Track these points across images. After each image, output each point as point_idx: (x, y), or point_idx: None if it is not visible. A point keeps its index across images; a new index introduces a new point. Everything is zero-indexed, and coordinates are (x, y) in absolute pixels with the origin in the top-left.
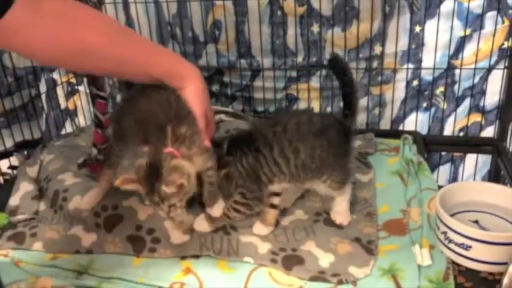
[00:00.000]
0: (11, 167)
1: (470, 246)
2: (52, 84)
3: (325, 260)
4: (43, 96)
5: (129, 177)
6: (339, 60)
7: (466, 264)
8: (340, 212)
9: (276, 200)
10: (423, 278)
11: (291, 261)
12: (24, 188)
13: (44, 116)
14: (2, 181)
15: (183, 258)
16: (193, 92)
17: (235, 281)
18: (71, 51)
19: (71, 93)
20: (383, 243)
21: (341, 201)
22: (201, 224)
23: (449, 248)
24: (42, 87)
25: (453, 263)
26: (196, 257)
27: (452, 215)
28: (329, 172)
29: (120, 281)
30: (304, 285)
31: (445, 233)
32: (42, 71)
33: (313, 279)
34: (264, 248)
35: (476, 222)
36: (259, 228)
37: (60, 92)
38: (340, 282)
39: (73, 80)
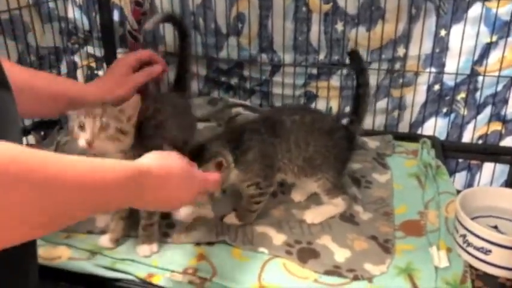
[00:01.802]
0: (27, 146)
1: (490, 251)
2: (73, 67)
3: (340, 254)
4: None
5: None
6: (358, 55)
7: (484, 269)
8: (317, 212)
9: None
10: (440, 279)
11: (306, 254)
12: None
13: None
14: None
15: (197, 244)
16: None
17: (249, 270)
18: None
19: (90, 77)
20: (399, 243)
21: (326, 207)
22: (232, 219)
23: (467, 252)
24: (63, 69)
25: (471, 267)
26: (211, 244)
27: (471, 219)
28: (325, 172)
29: (133, 263)
30: (319, 278)
31: (464, 236)
32: (64, 52)
33: (328, 273)
34: (279, 239)
35: (495, 227)
36: (232, 218)
37: (79, 75)
38: (355, 278)
39: (93, 65)
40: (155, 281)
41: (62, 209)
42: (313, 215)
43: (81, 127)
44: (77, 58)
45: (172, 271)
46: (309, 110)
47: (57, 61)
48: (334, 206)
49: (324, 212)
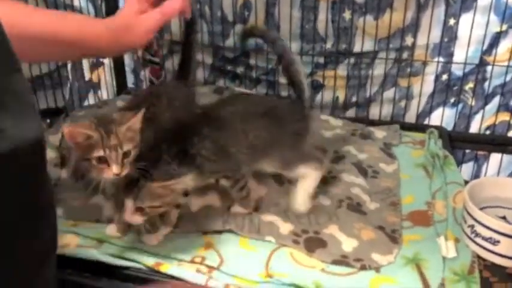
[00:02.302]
0: None
1: (498, 241)
2: None
3: (348, 244)
4: (69, 66)
5: (80, 125)
6: (256, 31)
7: (492, 259)
8: (297, 201)
9: (182, 200)
10: (448, 270)
11: (313, 243)
12: (47, 155)
13: (69, 85)
14: None
15: (205, 233)
16: None
17: (256, 259)
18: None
19: (95, 65)
20: (407, 233)
21: (300, 189)
22: (238, 208)
23: (475, 242)
24: None
25: (478, 257)
26: (218, 233)
27: (479, 209)
28: (276, 152)
29: (141, 251)
30: (326, 268)
31: (472, 226)
32: None
33: (335, 262)
34: (285, 228)
35: (503, 218)
36: (238, 208)
37: (85, 63)
38: (363, 267)
39: None
40: (163, 269)
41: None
42: (302, 203)
43: (100, 160)
44: None
45: (180, 260)
46: (243, 97)
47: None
48: (305, 178)
49: (305, 194)
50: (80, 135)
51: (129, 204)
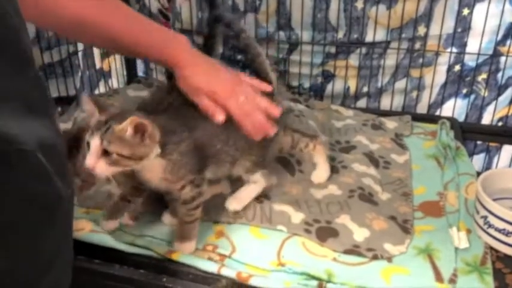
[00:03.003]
0: None
1: (511, 232)
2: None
3: (360, 234)
4: (80, 54)
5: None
6: (223, 18)
7: (505, 251)
8: (238, 197)
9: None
10: (460, 260)
11: (325, 232)
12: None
13: (80, 73)
14: None
15: (216, 222)
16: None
17: (268, 247)
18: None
19: (106, 54)
20: (419, 224)
21: (244, 192)
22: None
23: (488, 233)
24: (80, 45)
25: (491, 248)
26: (229, 222)
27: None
28: (246, 154)
29: (154, 239)
30: (338, 257)
31: (485, 217)
32: None
33: (347, 252)
34: (297, 217)
35: None
36: (168, 218)
37: (96, 51)
38: (375, 257)
39: None
40: (175, 257)
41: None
42: (235, 201)
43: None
44: None
45: None
46: None
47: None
48: (254, 183)
49: (245, 196)
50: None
51: (95, 143)
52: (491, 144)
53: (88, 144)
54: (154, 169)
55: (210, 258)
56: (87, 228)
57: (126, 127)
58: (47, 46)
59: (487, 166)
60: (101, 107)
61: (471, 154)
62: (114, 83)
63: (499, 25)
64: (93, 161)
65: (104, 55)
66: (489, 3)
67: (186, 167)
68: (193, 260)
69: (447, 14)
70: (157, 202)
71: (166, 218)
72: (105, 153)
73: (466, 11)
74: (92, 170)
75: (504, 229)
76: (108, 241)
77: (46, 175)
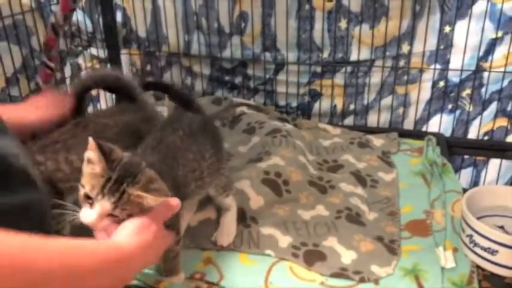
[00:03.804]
0: None
1: (496, 251)
2: (77, 69)
3: (347, 257)
4: (67, 81)
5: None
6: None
7: (491, 269)
8: (226, 232)
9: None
10: (446, 280)
11: (312, 256)
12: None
13: None
14: None
15: (204, 249)
16: None
17: (256, 273)
18: None
19: None
20: (406, 244)
21: (227, 219)
22: None
23: (474, 252)
24: (67, 72)
25: (477, 267)
26: (217, 249)
27: (477, 219)
28: (220, 168)
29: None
30: (326, 281)
31: (470, 236)
32: (67, 55)
33: (335, 275)
34: (284, 241)
35: (502, 227)
36: None
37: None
38: (362, 280)
39: (97, 66)
40: (163, 287)
41: None
42: (226, 237)
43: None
44: (80, 60)
45: None
46: (178, 117)
47: (62, 64)
48: (230, 210)
49: (231, 226)
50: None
51: (105, 207)
52: (478, 158)
53: (89, 199)
54: None
55: (197, 287)
56: None
57: (144, 196)
58: (34, 74)
59: (475, 180)
60: (105, 153)
61: (458, 169)
62: (102, 105)
63: (480, 41)
64: (97, 221)
65: None
66: (470, 20)
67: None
68: None
69: (429, 31)
70: None
71: None
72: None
73: (447, 28)
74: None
75: (489, 248)
76: None
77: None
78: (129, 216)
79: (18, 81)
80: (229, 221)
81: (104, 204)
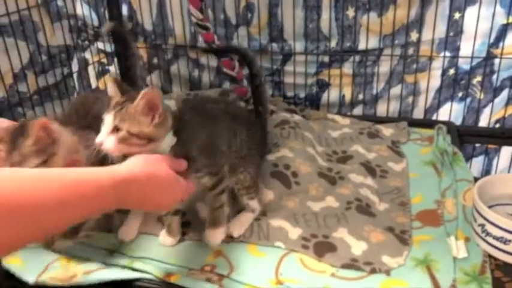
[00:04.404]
0: None
1: (509, 240)
2: (84, 64)
3: (357, 247)
4: (75, 75)
5: (119, 82)
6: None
7: (503, 259)
8: (240, 222)
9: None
10: (458, 270)
11: (322, 248)
12: None
13: (76, 94)
14: None
15: None
16: None
17: (266, 265)
18: None
19: (101, 73)
20: (417, 234)
21: (246, 215)
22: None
23: (486, 241)
24: (75, 66)
25: (490, 256)
26: (227, 241)
27: (489, 207)
28: (247, 165)
29: (152, 261)
30: (336, 272)
31: (482, 225)
32: (74, 50)
33: (345, 266)
34: (294, 233)
35: None
36: (166, 239)
37: (91, 71)
38: (373, 271)
39: (104, 60)
40: (174, 279)
41: (38, 227)
42: (238, 228)
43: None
44: (87, 55)
45: (190, 269)
46: (225, 100)
47: (68, 59)
48: (251, 211)
49: (245, 220)
50: None
51: (109, 119)
52: (489, 146)
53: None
54: None
55: (208, 279)
56: (80, 273)
57: (139, 102)
58: (41, 70)
59: (487, 168)
60: (123, 90)
61: (470, 157)
62: None
63: (491, 27)
64: (103, 136)
65: (99, 74)
66: (480, 6)
67: (202, 161)
68: (192, 282)
69: (438, 18)
70: (155, 223)
71: (164, 237)
72: (116, 130)
73: (457, 15)
74: (101, 146)
75: (502, 237)
76: (105, 276)
77: None
78: (131, 136)
79: (25, 77)
80: (246, 216)
81: (108, 117)
